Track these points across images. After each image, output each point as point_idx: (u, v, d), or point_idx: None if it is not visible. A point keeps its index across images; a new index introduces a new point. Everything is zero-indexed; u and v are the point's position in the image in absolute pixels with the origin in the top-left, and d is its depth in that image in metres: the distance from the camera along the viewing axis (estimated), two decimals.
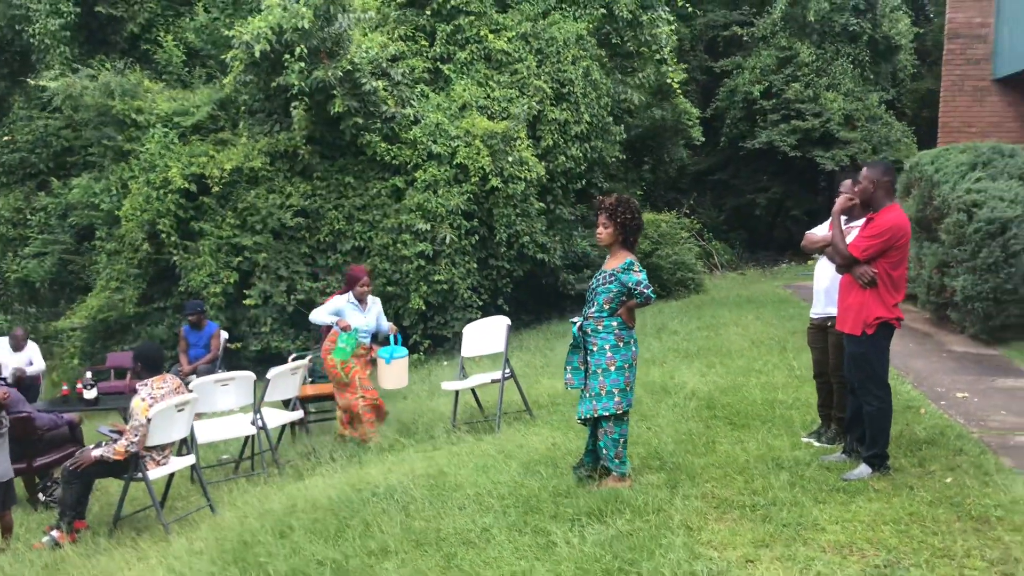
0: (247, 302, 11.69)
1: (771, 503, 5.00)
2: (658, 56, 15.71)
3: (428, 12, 13.32)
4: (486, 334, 8.12)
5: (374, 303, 8.17)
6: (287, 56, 11.15)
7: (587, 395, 5.47)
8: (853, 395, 5.66)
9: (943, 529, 4.55)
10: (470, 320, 12.38)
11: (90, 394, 8.53)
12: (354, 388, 7.90)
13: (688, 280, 16.40)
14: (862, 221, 5.81)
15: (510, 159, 12.24)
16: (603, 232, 5.54)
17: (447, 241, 11.73)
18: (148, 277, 12.29)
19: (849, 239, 5.80)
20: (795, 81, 22.03)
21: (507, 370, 7.77)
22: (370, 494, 5.93)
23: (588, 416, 5.46)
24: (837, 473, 5.44)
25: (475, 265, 12.39)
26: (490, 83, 13.07)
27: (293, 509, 6.02)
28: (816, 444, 6.10)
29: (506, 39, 13.23)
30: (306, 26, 10.93)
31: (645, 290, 5.35)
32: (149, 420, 6.18)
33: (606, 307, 5.41)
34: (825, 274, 6.08)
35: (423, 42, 13.26)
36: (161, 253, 12.04)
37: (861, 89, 22.49)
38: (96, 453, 6.21)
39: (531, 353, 11.48)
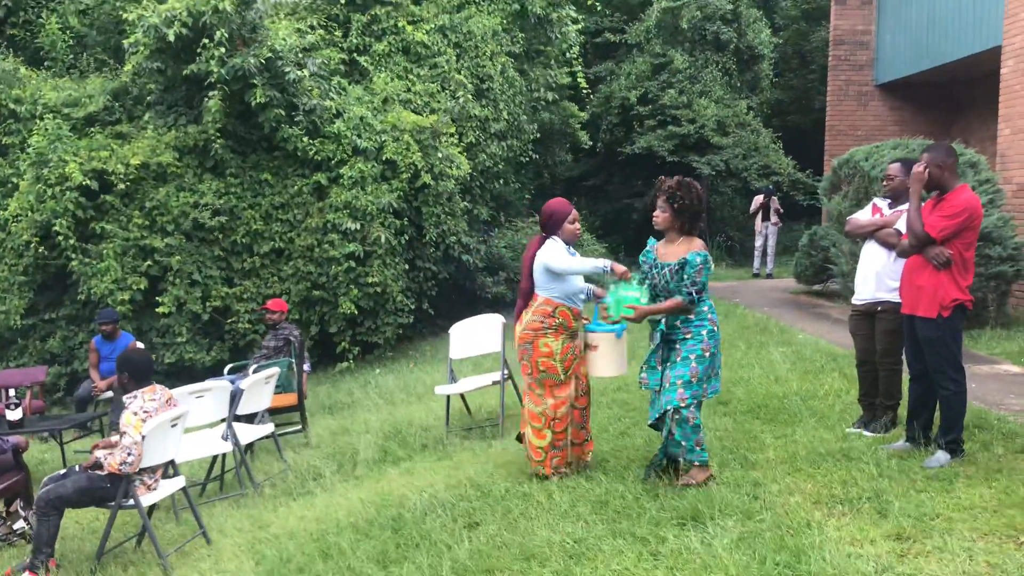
0: (160, 310, 10.61)
1: (873, 495, 4.77)
2: (568, 55, 15.53)
3: (342, 1, 12.59)
4: (476, 334, 7.60)
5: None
6: (205, 41, 10.20)
7: (666, 387, 5.10)
8: (915, 382, 5.55)
9: None
10: (402, 325, 11.78)
11: (14, 415, 7.40)
12: (567, 389, 5.48)
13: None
14: (904, 206, 5.74)
15: (440, 155, 11.69)
16: (660, 216, 5.22)
17: (382, 241, 11.05)
18: (35, 285, 10.95)
19: (900, 223, 5.72)
20: (670, 87, 22.42)
21: (505, 371, 7.29)
22: (416, 509, 5.34)
23: (670, 407, 5.08)
24: (912, 462, 5.29)
25: (406, 267, 11.76)
26: (410, 76, 12.48)
27: (323, 530, 5.35)
28: (867, 434, 5.96)
29: (424, 31, 12.68)
30: (228, 8, 10.03)
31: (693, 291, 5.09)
32: (143, 437, 5.33)
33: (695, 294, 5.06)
34: (876, 259, 5.95)
35: (337, 33, 12.51)
36: (55, 257, 10.75)
37: (730, 96, 23.17)
38: (91, 461, 5.33)
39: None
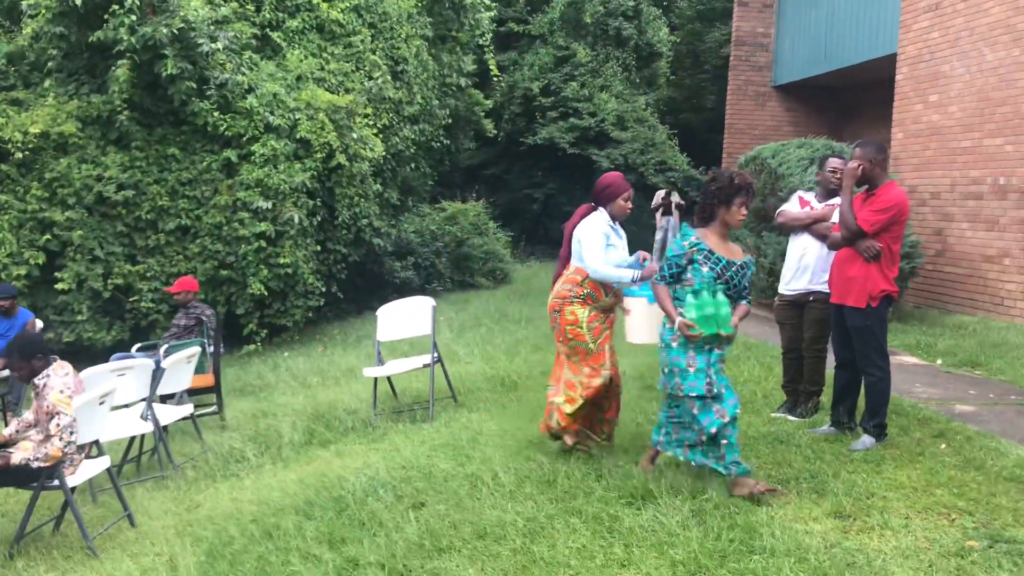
0: (59, 286, 10.13)
1: (810, 476, 4.98)
2: (480, 42, 15.52)
3: None
4: (405, 316, 7.54)
5: (619, 229, 5.61)
6: (115, 7, 9.76)
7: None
8: (841, 369, 5.80)
9: (993, 489, 4.73)
10: (311, 308, 11.58)
11: None
12: (600, 359, 5.36)
13: (498, 270, 16.37)
14: (838, 199, 5.98)
15: (354, 136, 11.52)
16: (744, 215, 4.95)
17: (294, 221, 10.82)
18: None
19: (833, 217, 5.96)
20: (572, 80, 22.68)
21: (435, 353, 7.26)
22: (356, 490, 5.27)
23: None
24: (840, 445, 5.53)
25: (318, 248, 11.55)
26: (324, 55, 12.25)
27: (262, 512, 5.23)
28: (792, 419, 6.19)
29: (339, 10, 12.45)
30: None
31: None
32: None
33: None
34: (809, 251, 6.17)
35: (249, 6, 12.17)
36: None
37: (629, 92, 23.60)
38: (18, 459, 5.01)
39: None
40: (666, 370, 4.85)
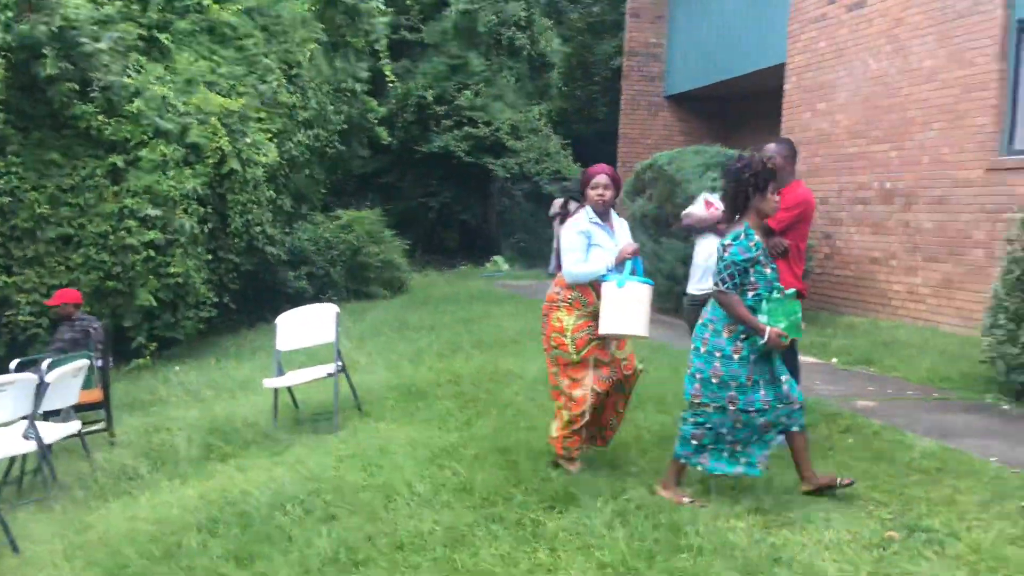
0: None
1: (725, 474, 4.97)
2: (376, 48, 15.30)
3: None
4: (306, 325, 7.28)
5: (621, 224, 5.28)
6: None
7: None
8: None
9: (904, 481, 4.83)
10: (203, 319, 11.15)
11: None
12: (582, 371, 5.00)
13: (395, 279, 16.14)
14: None
15: (247, 141, 11.15)
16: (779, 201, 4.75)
17: (185, 229, 10.38)
18: None
19: None
20: (466, 89, 22.63)
21: (339, 362, 7.02)
22: (262, 505, 5.02)
23: None
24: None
25: (209, 257, 11.12)
26: (216, 57, 11.83)
27: (160, 531, 4.92)
28: None
29: (231, 11, 12.06)
30: None
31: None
32: None
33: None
34: (714, 252, 6.19)
35: (135, 6, 11.66)
36: None
37: (523, 102, 23.71)
38: None
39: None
40: (715, 381, 4.48)
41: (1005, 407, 6.75)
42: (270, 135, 12.26)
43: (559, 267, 5.24)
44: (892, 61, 10.84)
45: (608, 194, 5.08)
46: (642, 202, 11.98)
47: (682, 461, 4.65)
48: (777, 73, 13.56)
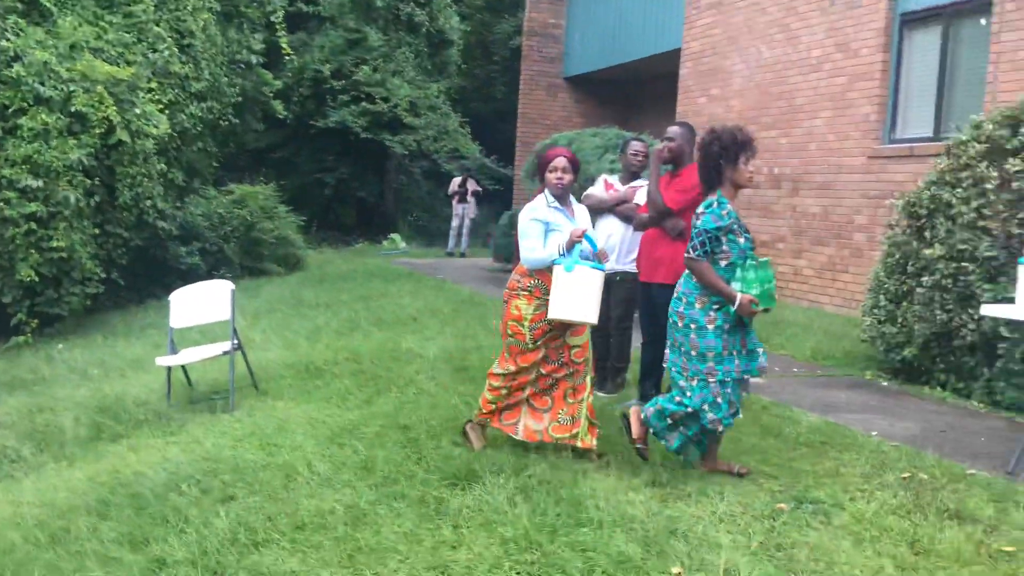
0: None
1: (625, 448, 5.07)
2: (272, 19, 14.90)
3: None
4: (201, 302, 7.09)
5: (580, 209, 5.24)
6: None
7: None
8: (648, 345, 5.99)
9: (792, 455, 5.04)
10: (89, 296, 10.76)
11: None
12: (532, 359, 4.96)
13: (290, 256, 15.87)
14: (641, 181, 6.19)
15: (137, 111, 10.75)
16: (753, 172, 4.77)
17: (69, 202, 9.95)
18: None
19: (638, 198, 6.15)
20: (364, 64, 22.30)
21: (235, 340, 6.88)
22: (156, 486, 4.90)
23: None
24: None
25: (96, 231, 10.70)
26: (102, 23, 11.34)
27: (47, 515, 4.75)
28: (601, 395, 6.33)
29: None
30: None
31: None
32: None
33: None
34: (615, 232, 6.31)
35: None
36: None
37: (422, 79, 23.52)
38: None
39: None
40: (694, 354, 4.50)
41: (884, 384, 7.10)
42: (161, 106, 11.85)
43: (515, 244, 5.24)
44: (783, 49, 11.17)
45: (567, 178, 4.99)
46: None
47: (652, 432, 4.74)
48: (674, 58, 13.82)
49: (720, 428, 4.55)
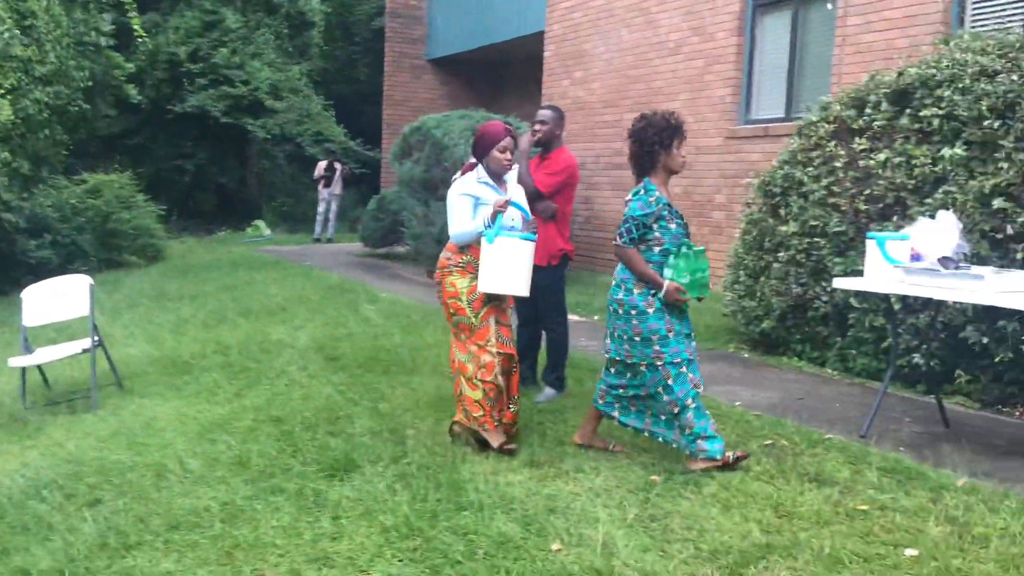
0: None
1: (527, 427, 5.15)
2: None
3: None
4: (57, 298, 6.77)
5: (515, 186, 5.10)
6: None
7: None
8: (524, 327, 6.08)
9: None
10: None
11: None
12: (485, 335, 4.84)
13: (149, 247, 15.29)
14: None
15: None
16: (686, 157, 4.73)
17: None
18: None
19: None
20: (222, 46, 21.61)
21: (96, 337, 6.60)
22: (13, 493, 4.68)
23: None
24: (525, 399, 5.78)
25: None
26: None
27: None
28: None
29: None
30: None
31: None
32: None
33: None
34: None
35: None
36: None
37: (283, 61, 22.98)
38: None
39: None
40: (638, 339, 4.50)
41: (746, 355, 7.41)
42: (2, 91, 11.18)
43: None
44: (643, 33, 11.43)
45: (512, 157, 4.97)
46: (410, 165, 12.00)
47: (603, 414, 4.80)
48: (538, 40, 13.94)
49: (676, 410, 4.50)
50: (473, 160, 5.00)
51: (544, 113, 5.83)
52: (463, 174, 5.01)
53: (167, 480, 4.67)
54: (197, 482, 4.60)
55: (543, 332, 6.02)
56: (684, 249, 4.50)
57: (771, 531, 3.73)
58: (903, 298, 5.84)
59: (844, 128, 6.76)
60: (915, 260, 4.81)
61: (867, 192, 6.42)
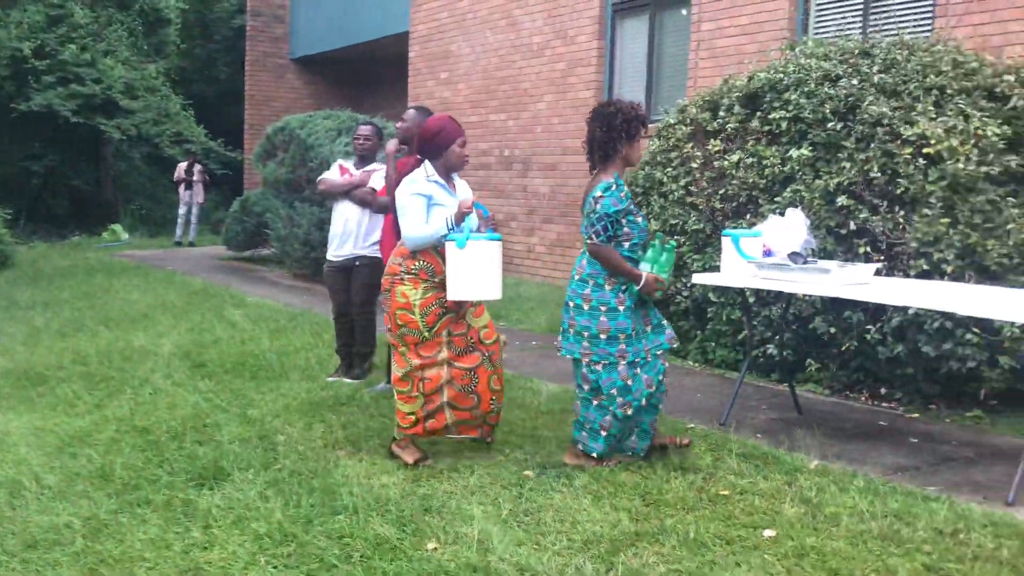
0: None
1: (375, 434, 5.15)
2: None
3: None
4: None
5: (462, 184, 4.91)
6: None
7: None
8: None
9: (535, 423, 5.32)
10: None
11: None
12: (433, 348, 4.56)
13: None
14: (377, 165, 6.25)
15: None
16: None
17: None
18: None
19: (374, 182, 6.19)
20: (71, 43, 20.65)
21: None
22: None
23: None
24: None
25: None
26: None
27: None
28: (348, 381, 6.36)
29: None
30: None
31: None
32: None
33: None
34: (351, 217, 6.31)
35: None
36: None
37: (138, 59, 22.17)
38: None
39: None
40: (603, 336, 4.39)
41: None
42: None
43: (389, 227, 4.88)
44: (507, 35, 11.58)
45: (468, 157, 4.81)
46: (274, 166, 11.79)
47: (579, 447, 4.59)
48: (403, 40, 13.93)
49: (630, 412, 4.44)
50: (417, 158, 4.72)
51: (408, 113, 5.84)
52: (401, 173, 4.74)
53: (22, 498, 4.45)
54: (56, 498, 4.41)
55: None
56: (656, 242, 4.43)
57: (640, 519, 3.87)
58: (757, 292, 6.14)
59: (700, 130, 7.04)
60: (767, 256, 5.06)
61: (722, 191, 6.70)
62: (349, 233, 6.33)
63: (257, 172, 13.00)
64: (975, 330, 5.23)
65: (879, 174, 5.78)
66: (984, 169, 5.48)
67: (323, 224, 10.69)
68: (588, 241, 4.43)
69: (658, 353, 4.54)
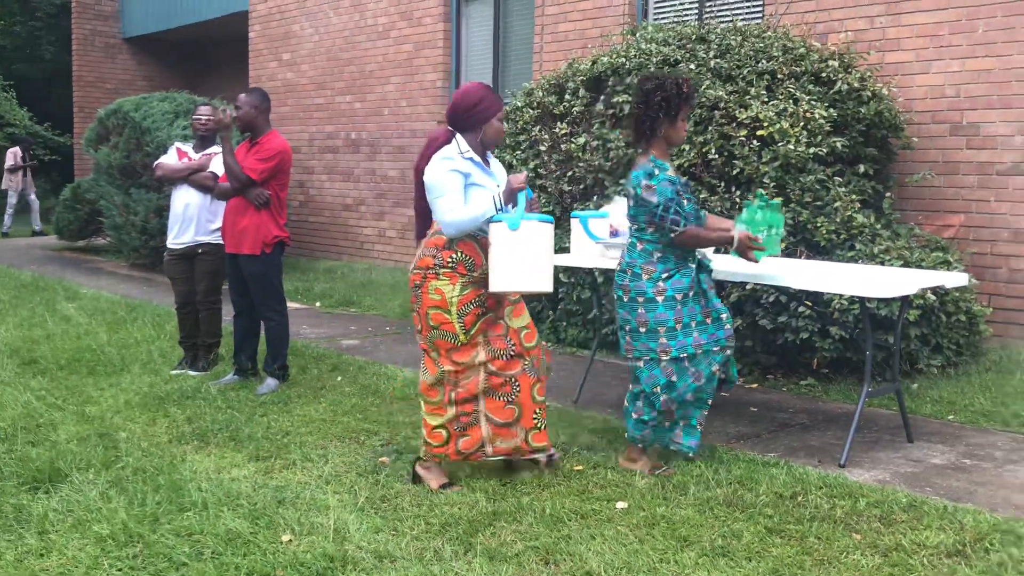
0: None
1: (224, 426, 4.99)
2: None
3: None
4: None
5: (495, 162, 4.21)
6: None
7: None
8: (240, 317, 5.92)
9: (390, 409, 5.29)
10: None
11: None
12: (469, 353, 3.94)
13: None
14: (216, 148, 6.03)
15: None
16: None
17: None
18: None
19: (214, 166, 5.99)
20: None
21: None
22: None
23: None
24: (246, 392, 5.65)
25: None
26: None
27: None
28: (193, 373, 6.14)
29: None
30: None
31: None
32: None
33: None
34: (192, 203, 6.07)
35: None
36: None
37: None
38: None
39: None
40: (643, 330, 4.06)
41: None
42: None
43: (422, 232, 4.15)
44: (351, 16, 11.39)
45: (504, 133, 4.27)
46: (107, 151, 11.20)
47: (642, 445, 4.26)
48: (243, 20, 13.48)
49: (674, 407, 4.14)
50: (448, 129, 4.07)
51: (241, 98, 5.65)
52: (430, 146, 4.05)
53: None
54: None
55: (262, 322, 5.88)
56: (759, 201, 4.09)
57: (497, 498, 3.90)
58: (605, 271, 6.28)
59: (547, 113, 7.13)
60: (614, 236, 5.18)
61: (570, 174, 6.82)
62: (190, 219, 6.09)
63: (89, 157, 12.32)
64: (807, 303, 5.51)
65: (716, 156, 6.00)
66: (813, 150, 5.79)
67: (162, 211, 10.21)
68: (671, 235, 4.02)
69: (714, 349, 4.12)
